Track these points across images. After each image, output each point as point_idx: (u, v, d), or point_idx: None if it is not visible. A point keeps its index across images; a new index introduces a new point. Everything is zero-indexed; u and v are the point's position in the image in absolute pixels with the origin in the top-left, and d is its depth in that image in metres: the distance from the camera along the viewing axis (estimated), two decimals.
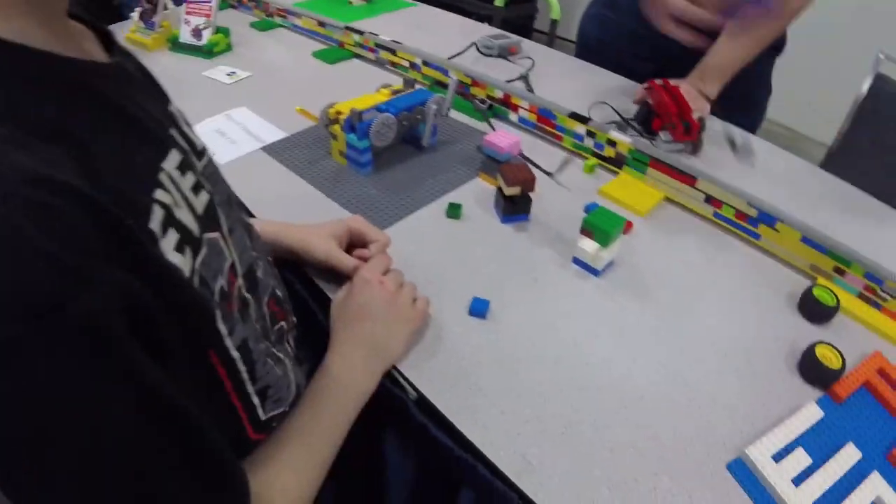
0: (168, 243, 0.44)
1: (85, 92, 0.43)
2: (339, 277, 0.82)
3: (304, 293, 0.87)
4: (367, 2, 1.98)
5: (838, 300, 0.83)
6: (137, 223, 0.41)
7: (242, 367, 0.51)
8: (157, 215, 0.43)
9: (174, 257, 0.44)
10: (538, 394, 0.71)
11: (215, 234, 0.53)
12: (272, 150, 1.16)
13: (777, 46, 1.36)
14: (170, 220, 0.45)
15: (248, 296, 0.58)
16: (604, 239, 0.84)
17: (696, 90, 1.24)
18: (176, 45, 1.65)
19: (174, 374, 0.41)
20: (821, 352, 0.75)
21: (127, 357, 0.37)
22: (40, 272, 0.32)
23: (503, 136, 1.01)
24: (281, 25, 1.80)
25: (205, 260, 0.49)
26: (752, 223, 0.94)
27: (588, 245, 0.85)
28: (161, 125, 0.51)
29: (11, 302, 0.31)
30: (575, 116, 1.13)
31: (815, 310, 0.83)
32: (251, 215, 0.99)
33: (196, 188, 0.52)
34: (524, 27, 3.73)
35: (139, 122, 0.47)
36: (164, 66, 1.59)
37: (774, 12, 1.21)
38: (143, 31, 1.70)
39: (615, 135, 1.08)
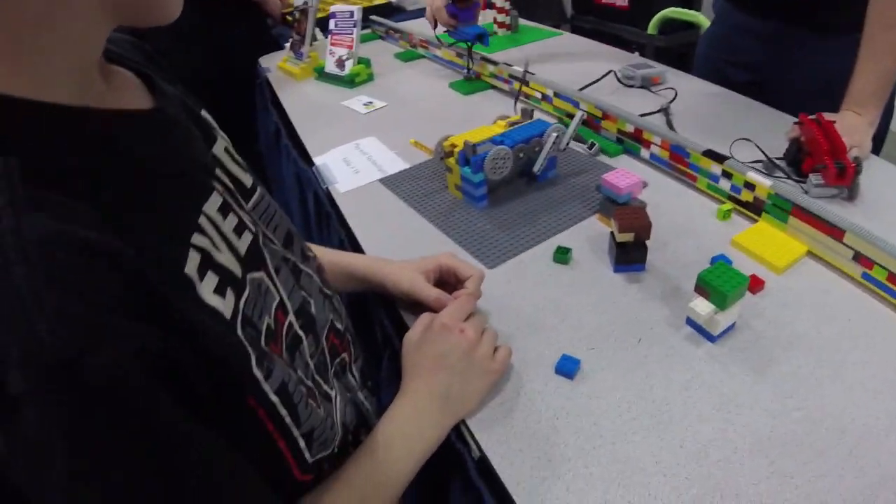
0: (207, 287, 0.44)
1: (112, 145, 0.44)
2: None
3: (391, 331, 0.86)
4: (512, 31, 1.96)
5: None
6: (171, 271, 0.41)
7: (283, 411, 0.50)
8: (193, 260, 0.44)
9: (213, 300, 0.44)
10: (614, 474, 0.63)
11: (260, 274, 0.54)
12: (390, 181, 1.16)
13: None
14: (208, 264, 0.46)
15: (301, 333, 0.59)
16: (720, 301, 0.74)
17: (856, 122, 1.11)
18: (322, 74, 1.72)
19: (211, 420, 0.41)
20: None
21: (148, 410, 0.37)
22: (55, 330, 0.33)
23: (623, 176, 0.93)
24: (423, 56, 1.82)
25: (249, 299, 0.49)
26: None
27: (702, 306, 0.75)
28: (203, 168, 0.52)
29: (25, 359, 0.32)
30: (710, 154, 1.02)
31: None
32: (358, 248, 0.99)
33: (239, 228, 0.53)
34: (684, 55, 3.56)
35: (174, 168, 0.48)
36: (308, 95, 1.66)
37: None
38: (294, 60, 1.79)
39: (753, 177, 0.96)
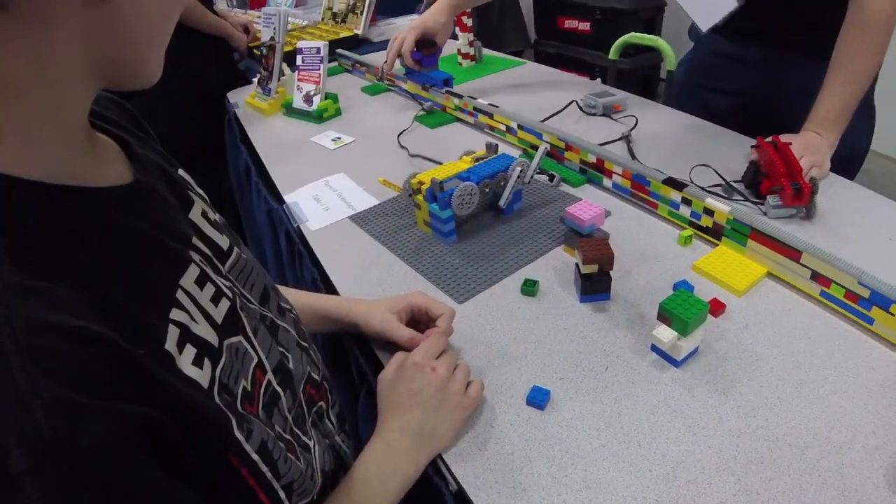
0: (186, 359, 0.46)
1: (95, 224, 0.45)
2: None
3: (367, 368, 0.87)
4: (476, 62, 2.00)
5: None
6: (152, 347, 0.43)
7: (265, 468, 0.51)
8: (172, 335, 0.45)
9: (192, 371, 0.46)
10: (587, 499, 0.65)
11: (237, 338, 0.55)
12: (360, 218, 1.18)
13: None
14: (186, 337, 0.47)
15: (279, 389, 0.59)
16: (682, 327, 0.76)
17: (817, 143, 1.16)
18: (290, 110, 1.74)
19: (196, 478, 0.43)
20: None
21: (138, 476, 0.38)
22: (49, 413, 0.34)
23: (586, 208, 0.96)
24: (390, 89, 1.84)
25: (225, 366, 0.50)
26: (864, 305, 0.82)
27: (664, 334, 0.78)
28: (180, 238, 0.53)
29: (24, 440, 0.34)
30: (670, 182, 1.06)
31: None
32: (331, 287, 1.01)
33: (216, 297, 0.54)
34: (648, 77, 3.65)
35: (154, 242, 0.49)
36: (277, 131, 1.68)
37: (857, 25, 1.13)
38: (262, 96, 1.81)
39: (712, 202, 0.99)
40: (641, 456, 0.69)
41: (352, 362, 0.93)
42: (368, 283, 1.00)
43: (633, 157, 1.30)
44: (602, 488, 0.66)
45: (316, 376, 0.72)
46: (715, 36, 1.45)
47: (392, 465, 0.68)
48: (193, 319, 0.49)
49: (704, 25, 1.24)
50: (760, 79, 1.40)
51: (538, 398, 0.75)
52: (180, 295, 0.49)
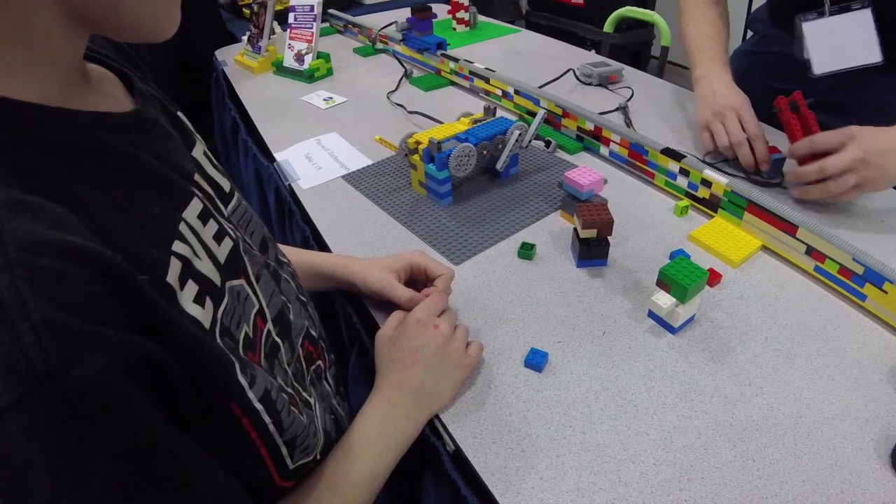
0: (187, 296, 0.44)
1: (93, 147, 0.43)
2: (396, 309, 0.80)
3: (360, 327, 0.86)
4: (471, 28, 1.97)
5: None
6: (153, 279, 0.41)
7: (268, 419, 0.50)
8: (174, 268, 0.43)
9: (193, 309, 0.44)
10: (584, 462, 0.65)
11: (240, 282, 0.53)
12: (353, 178, 1.16)
13: None
14: (189, 272, 0.45)
15: (278, 340, 0.58)
16: (681, 294, 0.76)
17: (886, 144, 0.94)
18: (280, 69, 1.71)
19: (196, 427, 0.42)
20: None
21: (132, 421, 0.36)
22: (41, 340, 0.32)
23: (585, 173, 0.95)
24: (383, 51, 1.81)
25: (227, 309, 0.49)
26: (857, 282, 0.83)
27: (663, 300, 0.78)
28: (183, 173, 0.51)
29: (9, 371, 0.31)
30: (668, 152, 1.05)
31: None
32: (323, 245, 0.99)
33: (219, 236, 0.52)
34: (639, 54, 3.63)
35: (155, 172, 0.47)
36: (267, 89, 1.64)
37: None
38: (251, 54, 1.77)
39: (710, 174, 0.99)
40: (639, 420, 0.69)
41: (342, 322, 0.92)
42: (362, 242, 0.99)
43: (629, 126, 1.28)
44: (600, 451, 0.66)
45: (314, 332, 0.70)
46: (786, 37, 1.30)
47: (393, 424, 0.68)
48: (196, 255, 0.47)
49: (820, 69, 1.14)
50: (836, 84, 1.18)
51: (536, 360, 0.75)
52: (183, 228, 0.47)
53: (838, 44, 1.12)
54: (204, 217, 0.51)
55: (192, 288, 0.45)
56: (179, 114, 0.61)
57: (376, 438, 0.66)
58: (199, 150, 0.58)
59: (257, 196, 1.42)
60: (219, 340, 0.46)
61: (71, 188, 0.39)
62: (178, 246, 0.45)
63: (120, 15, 0.43)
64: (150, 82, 0.59)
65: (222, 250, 0.52)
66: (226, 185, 0.60)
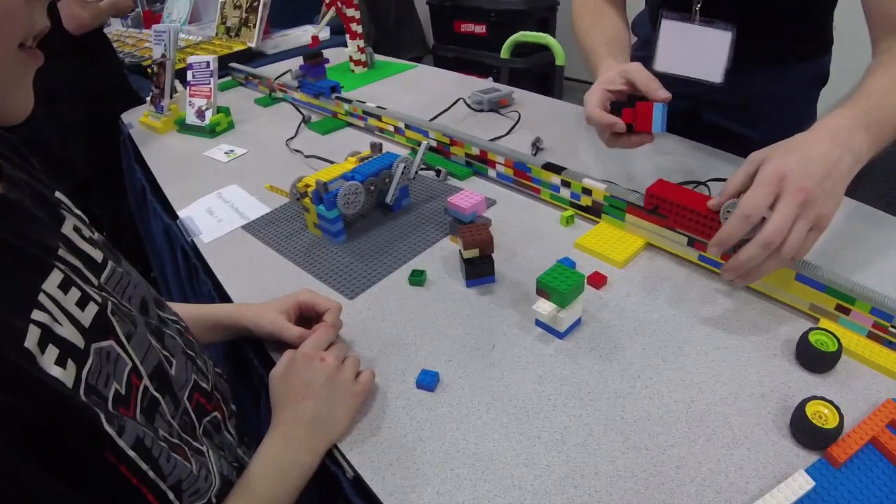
0: (48, 358, 0.47)
1: None
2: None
3: (262, 371, 0.87)
4: (369, 68, 2.01)
5: (840, 344, 0.74)
6: (10, 344, 0.44)
7: (144, 465, 0.51)
8: (33, 335, 0.46)
9: (55, 371, 0.46)
10: (479, 472, 0.67)
11: (108, 342, 0.55)
12: (252, 227, 1.18)
13: (822, 76, 1.26)
14: (48, 337, 0.48)
15: (157, 395, 0.60)
16: (560, 299, 0.80)
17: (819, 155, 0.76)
18: (183, 126, 1.72)
19: (73, 474, 0.45)
20: (812, 409, 0.66)
21: (10, 473, 0.40)
22: None
23: (467, 197, 0.99)
24: (282, 100, 1.84)
25: (92, 368, 0.51)
26: None
27: (543, 307, 0.81)
28: (45, 249, 0.54)
29: None
30: (549, 167, 1.10)
31: (813, 358, 0.74)
32: (226, 297, 1.00)
33: (82, 302, 0.54)
34: (546, 76, 3.74)
35: (16, 249, 0.50)
36: (171, 148, 1.65)
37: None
38: (155, 114, 1.78)
39: (589, 182, 1.04)
40: (530, 425, 0.71)
41: (251, 369, 0.93)
42: (260, 289, 1.00)
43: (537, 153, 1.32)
44: (493, 458, 0.68)
45: (205, 385, 0.72)
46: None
47: (290, 456, 0.69)
48: (57, 321, 0.50)
49: (660, 67, 1.17)
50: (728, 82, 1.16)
51: (427, 381, 0.77)
52: (42, 298, 0.50)
53: (688, 51, 1.16)
54: (65, 286, 0.53)
55: (52, 351, 0.47)
56: (57, 194, 0.64)
57: (274, 473, 0.67)
58: (68, 227, 0.61)
59: (169, 255, 1.42)
60: (83, 397, 0.48)
61: None
62: (36, 314, 0.48)
63: None
64: (25, 166, 0.62)
65: (86, 315, 0.54)
66: (98, 256, 0.63)
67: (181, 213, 1.28)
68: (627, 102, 0.96)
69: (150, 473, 0.52)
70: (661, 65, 1.18)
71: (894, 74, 0.83)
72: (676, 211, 0.92)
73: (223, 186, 1.36)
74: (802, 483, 0.61)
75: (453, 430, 0.72)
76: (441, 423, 0.73)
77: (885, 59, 0.86)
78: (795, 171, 0.73)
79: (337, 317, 0.85)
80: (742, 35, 1.09)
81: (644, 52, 1.33)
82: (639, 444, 0.68)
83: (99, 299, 0.57)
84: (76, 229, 0.62)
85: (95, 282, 0.60)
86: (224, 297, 1.02)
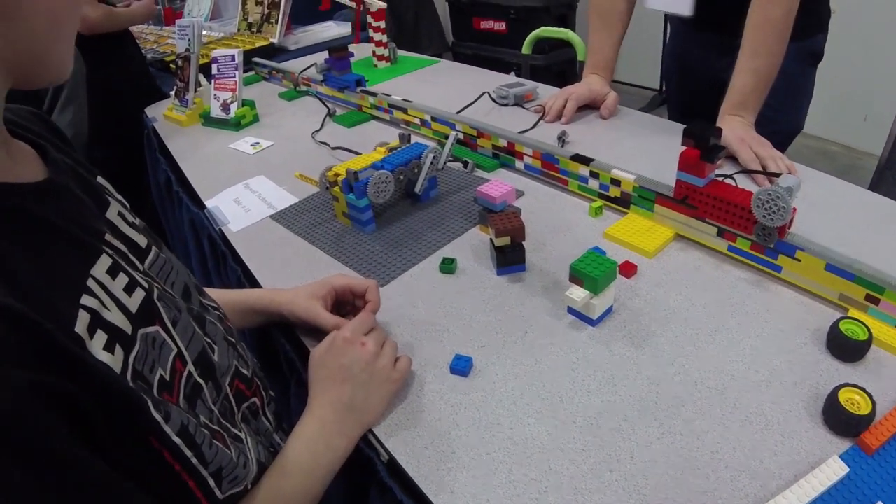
0: (97, 344, 0.47)
1: (8, 216, 0.47)
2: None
3: (294, 356, 0.88)
4: (392, 63, 2.02)
5: (871, 333, 0.74)
6: (62, 329, 0.44)
7: (188, 452, 0.52)
8: (82, 320, 0.46)
9: (103, 356, 0.47)
10: (513, 455, 0.67)
11: (154, 328, 0.56)
12: (280, 216, 1.18)
13: (814, 54, 1.38)
14: (97, 323, 0.48)
15: (201, 381, 0.60)
16: (593, 286, 0.80)
17: (746, 131, 1.19)
18: (208, 119, 1.73)
19: (116, 456, 0.45)
20: (845, 396, 0.66)
21: (47, 440, 0.39)
22: None
23: (496, 186, 0.99)
24: (307, 94, 1.85)
25: (139, 354, 0.52)
26: (770, 255, 0.87)
27: (577, 293, 0.81)
28: (93, 233, 0.55)
29: None
30: (577, 158, 1.10)
31: (843, 346, 0.74)
32: (255, 283, 1.01)
33: (130, 288, 0.55)
34: (564, 73, 3.73)
35: (65, 233, 0.51)
36: (196, 141, 1.66)
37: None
38: (179, 108, 1.79)
39: (618, 173, 1.04)
40: (564, 410, 0.72)
41: (280, 355, 0.93)
42: (291, 276, 1.01)
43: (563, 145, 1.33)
44: (528, 444, 0.68)
45: (245, 371, 0.72)
46: (687, 28, 1.56)
47: (325, 441, 0.69)
48: (105, 307, 0.50)
49: (651, 5, 1.38)
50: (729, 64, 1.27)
51: (460, 366, 0.77)
52: (91, 283, 0.50)
53: None
54: (113, 272, 0.54)
55: (101, 337, 0.48)
56: (99, 179, 0.64)
57: (309, 457, 0.68)
58: (113, 211, 0.61)
59: (194, 243, 1.43)
60: (130, 383, 0.49)
61: None
62: (85, 299, 0.48)
63: (43, 64, 0.50)
64: (69, 151, 0.63)
65: (133, 301, 0.54)
66: (142, 241, 0.64)
67: (208, 203, 1.29)
68: None
69: (194, 460, 0.52)
70: (651, 3, 1.39)
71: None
72: (706, 201, 0.91)
73: (250, 177, 1.37)
74: (837, 469, 0.61)
75: (487, 414, 0.72)
76: (475, 408, 0.73)
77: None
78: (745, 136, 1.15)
79: (377, 294, 0.85)
80: (737, 16, 1.18)
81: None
82: (673, 429, 0.68)
83: (146, 285, 0.57)
84: (120, 214, 0.62)
85: (141, 267, 0.60)
86: (253, 284, 1.03)
